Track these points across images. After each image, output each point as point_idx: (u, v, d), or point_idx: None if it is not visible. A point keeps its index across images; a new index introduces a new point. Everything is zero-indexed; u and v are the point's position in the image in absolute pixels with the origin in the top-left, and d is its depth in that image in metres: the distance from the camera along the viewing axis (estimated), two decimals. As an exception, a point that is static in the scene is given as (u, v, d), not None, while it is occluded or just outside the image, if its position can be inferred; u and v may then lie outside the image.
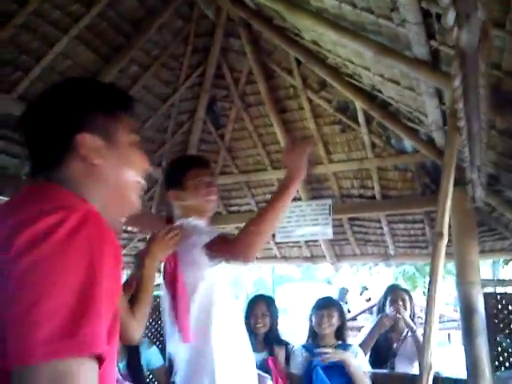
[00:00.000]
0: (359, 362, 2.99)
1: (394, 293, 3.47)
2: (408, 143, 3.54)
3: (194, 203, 1.98)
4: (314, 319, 3.19)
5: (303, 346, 3.16)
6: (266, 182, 4.32)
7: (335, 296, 10.78)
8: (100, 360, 0.68)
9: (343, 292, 10.52)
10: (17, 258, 0.68)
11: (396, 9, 1.98)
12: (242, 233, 1.67)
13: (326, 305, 3.20)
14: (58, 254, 0.68)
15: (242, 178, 4.31)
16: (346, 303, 10.33)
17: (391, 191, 3.93)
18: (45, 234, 0.69)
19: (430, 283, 1.87)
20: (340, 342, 3.16)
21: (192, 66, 3.73)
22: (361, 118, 3.59)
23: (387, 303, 3.41)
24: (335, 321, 3.11)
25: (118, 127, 0.94)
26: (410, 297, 3.47)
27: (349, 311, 9.55)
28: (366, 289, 10.25)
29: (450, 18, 1.24)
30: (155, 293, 4.41)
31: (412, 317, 3.27)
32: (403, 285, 6.44)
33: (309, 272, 17.27)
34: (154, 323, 4.21)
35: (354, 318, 8.35)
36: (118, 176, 0.92)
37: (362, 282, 10.66)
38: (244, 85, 3.88)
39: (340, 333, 3.18)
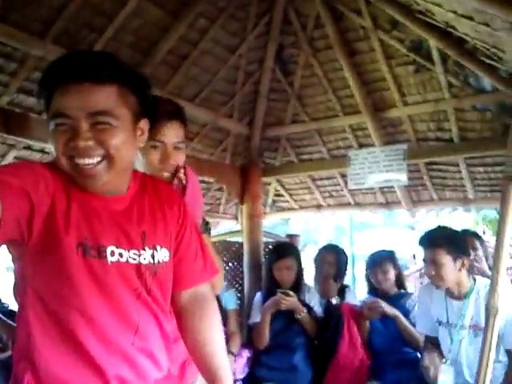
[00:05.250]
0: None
1: None
2: (487, 81, 3.34)
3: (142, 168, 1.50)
4: (370, 276, 3.25)
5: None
6: (337, 129, 4.27)
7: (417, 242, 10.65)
8: None
9: (425, 237, 10.31)
10: None
11: None
12: None
13: (378, 260, 3.23)
14: None
15: (313, 125, 4.28)
16: (428, 248, 10.16)
17: (470, 133, 3.75)
18: None
19: (498, 228, 1.83)
20: (401, 291, 3.21)
21: (259, 14, 3.69)
22: (436, 56, 3.41)
23: None
24: (391, 274, 3.16)
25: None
26: (481, 241, 3.37)
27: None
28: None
29: None
30: (235, 239, 4.68)
31: (486, 260, 3.19)
32: (485, 229, 6.21)
33: (390, 218, 16.99)
34: (234, 268, 4.43)
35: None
36: None
37: (444, 227, 10.35)
38: (312, 29, 3.78)
39: (399, 282, 3.22)
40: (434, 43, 3.34)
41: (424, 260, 2.57)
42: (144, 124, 1.19)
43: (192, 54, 3.49)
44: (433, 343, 2.67)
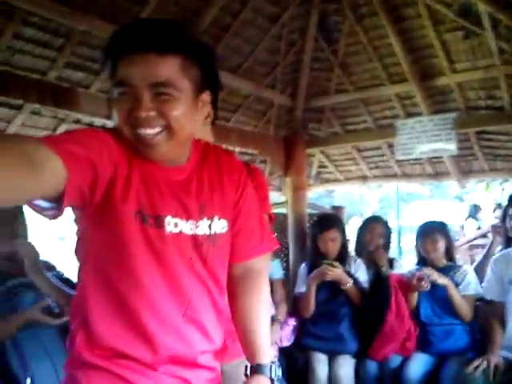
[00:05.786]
0: (465, 285, 2.98)
1: None
2: (541, 45, 3.18)
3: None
4: (419, 246, 3.20)
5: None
6: (383, 98, 4.17)
7: (466, 213, 10.35)
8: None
9: (475, 209, 10.02)
10: None
11: None
12: None
13: (429, 230, 3.18)
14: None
15: (358, 95, 4.19)
16: (478, 220, 9.87)
17: (522, 101, 3.60)
18: None
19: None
20: (450, 263, 3.16)
21: (300, -19, 3.62)
22: (485, 21, 3.26)
23: (508, 216, 3.21)
24: (441, 244, 3.11)
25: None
26: None
27: (479, 228, 9.15)
28: (500, 206, 9.63)
29: None
30: (280, 211, 4.71)
31: None
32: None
33: (439, 189, 16.59)
34: (278, 239, 4.46)
35: (484, 235, 7.97)
36: None
37: (495, 199, 10.03)
38: (356, -5, 3.69)
39: (449, 254, 3.16)
40: (483, 7, 3.19)
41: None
42: (206, 96, 1.17)
43: (233, 25, 3.46)
44: (496, 308, 2.85)
